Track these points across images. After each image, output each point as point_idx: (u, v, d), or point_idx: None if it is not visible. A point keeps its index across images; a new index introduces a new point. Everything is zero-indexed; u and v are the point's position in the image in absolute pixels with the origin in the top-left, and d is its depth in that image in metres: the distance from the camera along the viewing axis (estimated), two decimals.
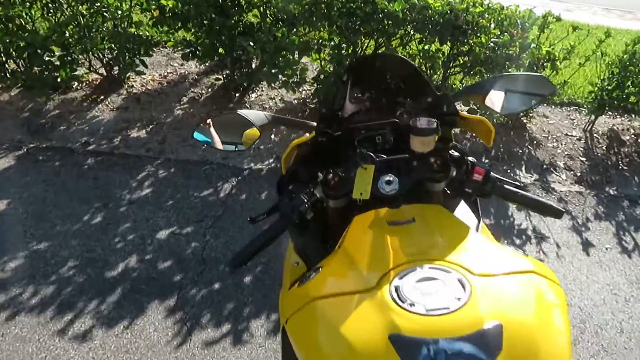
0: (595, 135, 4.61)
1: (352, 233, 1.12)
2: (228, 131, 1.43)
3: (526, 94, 1.41)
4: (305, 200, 1.24)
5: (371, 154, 1.27)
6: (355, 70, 1.35)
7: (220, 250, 2.64)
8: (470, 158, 1.28)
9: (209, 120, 1.41)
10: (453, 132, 1.46)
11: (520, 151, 4.23)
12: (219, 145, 1.42)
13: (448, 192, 1.34)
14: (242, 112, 1.41)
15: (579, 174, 4.08)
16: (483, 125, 1.29)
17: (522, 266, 0.93)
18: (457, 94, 1.48)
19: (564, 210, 1.24)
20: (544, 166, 4.11)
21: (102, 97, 3.97)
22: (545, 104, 4.37)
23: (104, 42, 3.70)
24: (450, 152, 1.29)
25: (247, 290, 2.42)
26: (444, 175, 1.23)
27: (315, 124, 1.53)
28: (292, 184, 1.43)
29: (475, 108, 4.02)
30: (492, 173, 1.27)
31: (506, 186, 1.27)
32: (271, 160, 3.55)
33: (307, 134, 1.32)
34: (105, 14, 3.64)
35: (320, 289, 0.96)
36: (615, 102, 4.40)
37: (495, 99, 1.41)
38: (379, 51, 3.91)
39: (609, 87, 4.49)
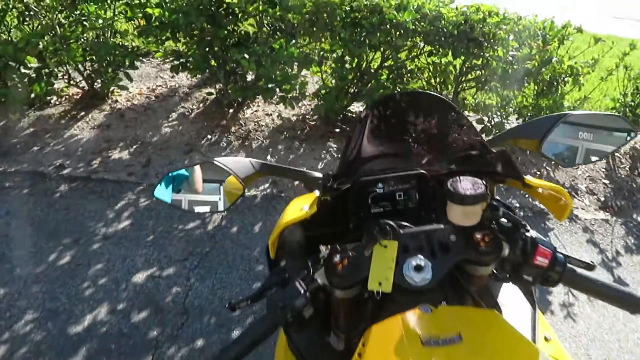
0: (616, 154, 4.28)
1: (369, 356, 0.77)
2: (202, 186, 1.09)
3: (598, 140, 1.06)
4: (303, 291, 0.90)
5: (392, 223, 0.93)
6: (378, 107, 1.01)
7: (206, 296, 2.29)
8: (529, 232, 0.94)
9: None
10: (496, 187, 1.12)
11: (538, 173, 3.89)
12: (189, 205, 1.08)
13: (495, 272, 1.00)
14: (220, 160, 1.07)
15: (602, 199, 3.75)
16: (556, 196, 0.95)
17: None
18: (498, 137, 1.13)
19: None
20: (565, 190, 3.76)
21: (82, 113, 3.63)
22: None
23: (85, 54, 3.36)
24: (500, 220, 0.95)
25: None
26: (492, 257, 0.90)
27: (318, 175, 1.20)
28: (284, 259, 1.09)
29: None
30: (559, 253, 0.93)
31: (579, 271, 0.93)
32: (266, 185, 3.21)
33: (306, 207, 0.97)
34: (85, 23, 3.31)
35: None
36: None
37: (555, 146, 1.07)
38: (399, 84, 3.58)
39: (633, 103, 4.18)
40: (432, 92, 0.97)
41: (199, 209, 1.07)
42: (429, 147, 1.08)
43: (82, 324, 2.10)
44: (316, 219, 1.14)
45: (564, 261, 0.92)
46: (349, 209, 1.12)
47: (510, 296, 1.05)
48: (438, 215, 1.10)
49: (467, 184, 0.88)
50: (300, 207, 0.97)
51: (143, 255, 2.48)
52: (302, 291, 0.89)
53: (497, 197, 1.14)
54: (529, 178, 0.95)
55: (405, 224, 0.98)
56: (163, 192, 1.05)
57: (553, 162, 3.89)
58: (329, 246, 0.99)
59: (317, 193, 1.00)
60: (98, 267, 2.39)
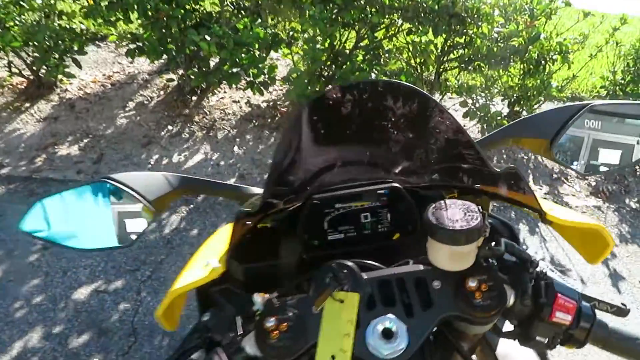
0: None
1: None
2: (94, 213, 0.80)
3: (628, 136, 0.80)
4: None
5: (352, 265, 0.67)
6: (331, 100, 0.72)
7: None
8: (543, 272, 0.68)
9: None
10: (492, 205, 0.85)
11: (526, 157, 3.67)
12: (75, 241, 0.79)
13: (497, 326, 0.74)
14: (119, 177, 0.79)
15: (593, 184, 3.54)
16: (592, 236, 0.68)
17: None
18: (494, 135, 0.86)
19: None
20: (554, 175, 3.54)
21: (27, 104, 3.27)
22: (547, 101, 3.77)
23: (25, 38, 3.00)
24: (502, 258, 0.69)
25: None
26: (492, 314, 0.64)
27: (259, 190, 0.92)
28: (212, 308, 0.82)
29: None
30: (584, 301, 0.68)
31: (612, 326, 0.68)
32: (233, 181, 2.92)
33: (213, 261, 0.69)
34: (23, 3, 2.94)
35: None
36: (631, 98, 3.86)
37: (572, 148, 0.80)
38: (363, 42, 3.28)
39: (623, 81, 3.96)
40: (404, 82, 0.69)
41: (90, 245, 0.79)
42: (403, 153, 0.80)
43: (9, 353, 1.81)
44: (254, 250, 0.87)
45: (591, 314, 0.66)
46: (298, 236, 0.85)
47: (513, 351, 0.79)
48: (417, 242, 0.84)
49: (455, 213, 0.61)
50: (208, 255, 0.69)
51: (87, 266, 2.19)
52: None
53: (493, 214, 0.87)
54: (551, 211, 0.67)
55: (371, 262, 0.71)
56: (36, 224, 0.76)
57: (582, 176, 3.62)
58: (265, 295, 0.72)
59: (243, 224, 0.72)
60: (33, 283, 2.09)
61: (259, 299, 0.71)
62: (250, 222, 0.72)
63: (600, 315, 0.69)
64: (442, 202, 0.63)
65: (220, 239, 0.73)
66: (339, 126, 0.73)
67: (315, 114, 0.70)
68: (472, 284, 0.63)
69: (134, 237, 0.79)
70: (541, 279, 0.67)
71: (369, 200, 0.84)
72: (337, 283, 0.64)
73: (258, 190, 0.90)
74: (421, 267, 0.67)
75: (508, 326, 0.74)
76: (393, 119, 0.73)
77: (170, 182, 0.83)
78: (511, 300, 0.66)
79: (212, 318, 0.74)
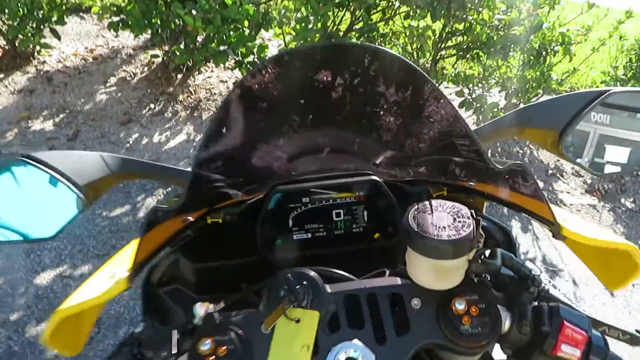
0: None
1: None
2: (10, 199, 0.67)
3: (636, 133, 0.68)
4: None
5: (313, 275, 0.55)
6: (290, 66, 0.59)
7: (125, 301, 1.89)
8: (547, 291, 0.56)
9: None
10: (487, 204, 0.73)
11: (521, 152, 3.56)
12: None
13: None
14: (42, 156, 0.66)
15: (589, 181, 3.44)
16: (617, 257, 0.56)
17: None
18: (493, 125, 0.73)
19: None
20: (549, 171, 3.44)
21: (1, 75, 3.10)
22: (545, 93, 3.64)
23: None
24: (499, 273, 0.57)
25: None
26: (483, 343, 0.52)
27: (209, 176, 0.79)
28: (157, 306, 0.70)
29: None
30: (594, 329, 0.56)
31: None
32: None
33: (120, 270, 0.57)
34: None
35: None
36: None
37: (574, 143, 0.68)
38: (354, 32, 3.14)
39: (625, 77, 3.85)
40: (388, 50, 0.56)
41: (2, 237, 0.65)
42: (384, 140, 0.67)
43: None
44: (209, 248, 0.74)
45: (604, 347, 0.54)
46: (257, 234, 0.72)
47: None
48: (399, 247, 0.71)
49: (442, 218, 0.49)
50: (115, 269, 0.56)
51: (53, 249, 2.05)
52: None
53: (486, 215, 0.74)
54: (566, 224, 0.55)
55: (338, 272, 0.59)
56: None
57: (599, 178, 3.48)
58: (210, 305, 0.60)
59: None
60: None
61: (201, 310, 0.59)
62: (192, 219, 0.59)
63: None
64: (426, 203, 0.50)
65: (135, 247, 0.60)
66: (304, 103, 0.60)
67: (268, 84, 0.56)
68: (459, 306, 0.51)
69: (57, 228, 0.66)
70: (543, 300, 0.56)
71: (343, 195, 0.72)
72: (293, 297, 0.52)
73: (213, 176, 0.78)
74: (398, 280, 0.55)
75: (499, 350, 0.63)
76: (373, 97, 0.60)
77: (107, 165, 0.70)
78: (506, 324, 0.54)
79: (146, 331, 0.61)
